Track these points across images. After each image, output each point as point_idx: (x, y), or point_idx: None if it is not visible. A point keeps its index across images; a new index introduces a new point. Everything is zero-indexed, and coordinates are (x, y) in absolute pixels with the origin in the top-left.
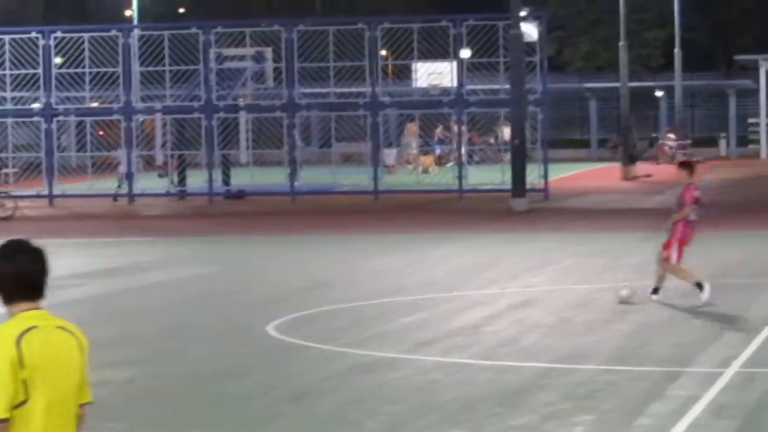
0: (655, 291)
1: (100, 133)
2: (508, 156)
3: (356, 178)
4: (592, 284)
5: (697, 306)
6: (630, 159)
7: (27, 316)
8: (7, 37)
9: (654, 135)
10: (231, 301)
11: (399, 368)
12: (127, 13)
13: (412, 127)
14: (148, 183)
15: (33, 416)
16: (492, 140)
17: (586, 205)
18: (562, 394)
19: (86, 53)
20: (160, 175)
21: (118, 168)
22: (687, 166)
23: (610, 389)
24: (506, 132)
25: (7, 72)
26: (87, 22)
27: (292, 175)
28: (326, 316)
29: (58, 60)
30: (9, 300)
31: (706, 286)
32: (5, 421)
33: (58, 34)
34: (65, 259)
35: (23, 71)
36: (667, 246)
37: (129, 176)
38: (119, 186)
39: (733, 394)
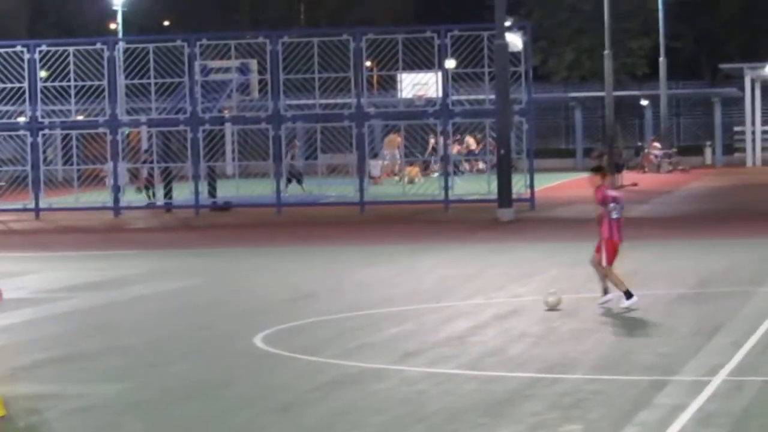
0: (606, 292)
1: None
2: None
3: (342, 189)
4: (577, 293)
5: (622, 312)
6: (616, 168)
7: None
8: None
9: (639, 144)
10: (217, 313)
11: (385, 379)
12: (112, 26)
13: (396, 138)
14: (135, 196)
15: None
16: (465, 150)
17: (572, 215)
18: (548, 403)
19: (71, 66)
20: (139, 189)
21: (105, 181)
22: (598, 169)
23: (597, 398)
24: (470, 142)
25: None
26: (71, 35)
27: (281, 186)
28: (313, 328)
29: (43, 73)
30: None
31: (634, 298)
32: None
33: (43, 47)
34: (52, 273)
35: (8, 85)
36: (598, 249)
37: (116, 189)
38: (150, 196)
39: (721, 403)
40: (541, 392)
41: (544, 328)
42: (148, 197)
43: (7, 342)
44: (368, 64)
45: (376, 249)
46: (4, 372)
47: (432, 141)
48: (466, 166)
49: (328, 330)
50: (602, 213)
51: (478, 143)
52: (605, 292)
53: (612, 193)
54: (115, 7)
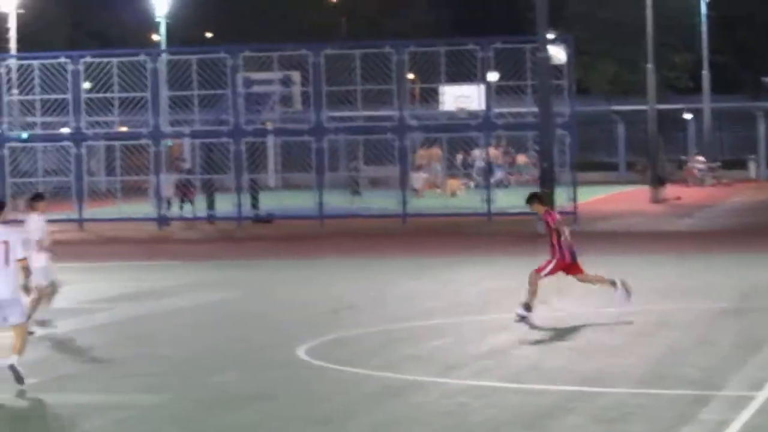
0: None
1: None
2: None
3: (384, 201)
4: (620, 306)
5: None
6: (659, 181)
7: None
8: (36, 63)
9: (683, 157)
10: (261, 325)
11: (428, 391)
12: (155, 37)
13: (434, 151)
14: (177, 207)
15: None
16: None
17: (614, 228)
18: (591, 417)
19: (115, 78)
20: (185, 200)
21: (148, 192)
22: (533, 198)
23: (641, 412)
24: (494, 154)
25: (37, 97)
26: (110, 46)
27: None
28: (355, 340)
29: (86, 85)
30: None
31: (530, 314)
32: None
33: (87, 59)
34: (93, 283)
35: (52, 96)
36: (570, 270)
37: (159, 200)
38: (181, 208)
39: (766, 418)
40: (584, 405)
41: (586, 341)
42: (180, 209)
43: (48, 352)
44: (410, 76)
45: (419, 261)
46: (43, 382)
47: (460, 156)
48: (499, 175)
49: (370, 342)
50: (560, 232)
51: (508, 155)
52: (627, 291)
53: (555, 215)
54: (158, 19)
